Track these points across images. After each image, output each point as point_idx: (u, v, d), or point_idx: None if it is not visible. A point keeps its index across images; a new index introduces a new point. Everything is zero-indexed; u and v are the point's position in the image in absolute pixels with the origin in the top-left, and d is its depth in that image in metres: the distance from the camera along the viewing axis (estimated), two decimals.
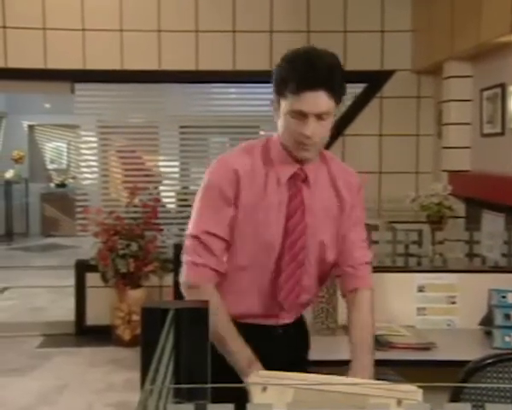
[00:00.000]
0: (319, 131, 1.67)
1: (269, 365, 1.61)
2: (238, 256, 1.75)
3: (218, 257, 1.73)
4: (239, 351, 1.68)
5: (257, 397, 1.02)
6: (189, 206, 6.08)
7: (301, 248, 1.76)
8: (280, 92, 1.68)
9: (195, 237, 1.74)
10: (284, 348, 1.83)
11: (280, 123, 1.73)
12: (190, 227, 1.77)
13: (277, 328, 1.83)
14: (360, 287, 1.87)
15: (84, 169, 5.66)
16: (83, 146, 5.65)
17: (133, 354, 4.63)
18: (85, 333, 5.28)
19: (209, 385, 0.99)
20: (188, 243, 1.76)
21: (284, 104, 1.68)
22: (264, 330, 1.80)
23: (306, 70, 1.62)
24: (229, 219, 1.72)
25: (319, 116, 1.65)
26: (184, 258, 1.76)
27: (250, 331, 1.73)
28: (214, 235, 1.72)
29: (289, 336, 1.85)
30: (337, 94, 1.66)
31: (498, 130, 4.03)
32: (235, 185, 1.72)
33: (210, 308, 1.11)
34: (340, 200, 1.83)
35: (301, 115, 1.65)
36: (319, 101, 1.63)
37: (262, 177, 1.74)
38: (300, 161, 1.75)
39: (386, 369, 1.92)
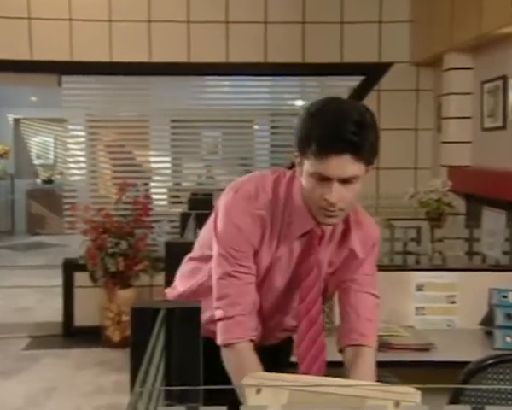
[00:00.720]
0: (345, 196, 1.55)
1: None
2: None
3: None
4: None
5: (251, 399, 1.02)
6: (181, 202, 6.03)
7: (319, 311, 1.69)
8: (302, 150, 1.56)
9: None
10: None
11: (303, 183, 1.60)
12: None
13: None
14: (362, 344, 1.74)
15: (72, 165, 5.65)
16: (70, 141, 5.63)
17: (123, 356, 4.62)
18: (73, 334, 5.28)
19: (201, 387, 0.99)
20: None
21: (307, 164, 1.55)
22: None
23: (330, 130, 1.49)
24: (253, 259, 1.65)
25: (346, 181, 1.53)
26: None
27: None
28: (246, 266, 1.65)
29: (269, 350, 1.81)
30: (368, 156, 1.54)
31: (500, 123, 4.05)
32: (260, 234, 1.64)
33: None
34: (350, 252, 1.74)
35: (325, 179, 1.53)
36: (345, 166, 1.50)
37: (277, 228, 1.66)
38: None
39: (383, 371, 1.92)
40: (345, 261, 1.75)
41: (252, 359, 1.61)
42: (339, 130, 1.48)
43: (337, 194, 1.53)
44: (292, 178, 1.69)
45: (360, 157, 1.51)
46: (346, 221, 1.72)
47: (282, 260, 1.69)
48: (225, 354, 1.64)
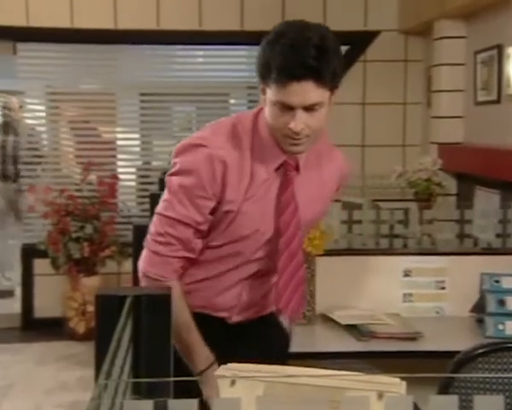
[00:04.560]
0: (310, 123, 1.61)
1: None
2: (222, 250, 1.76)
3: (187, 245, 1.71)
4: (198, 350, 1.71)
5: (225, 392, 1.03)
6: (151, 183, 6.01)
7: (299, 245, 1.77)
8: (263, 79, 1.63)
9: (166, 224, 1.70)
10: (255, 344, 1.85)
11: (267, 113, 1.67)
12: (158, 212, 1.73)
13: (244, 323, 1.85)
14: None
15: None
16: (28, 115, 5.57)
17: (88, 349, 4.61)
18: (33, 327, 5.25)
19: (171, 379, 1.00)
20: (153, 230, 1.72)
21: (269, 93, 1.62)
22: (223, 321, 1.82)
23: (290, 56, 1.54)
24: (207, 210, 1.69)
25: (309, 108, 1.59)
26: (148, 245, 1.73)
27: (209, 324, 1.76)
28: (185, 223, 1.69)
29: (260, 330, 1.88)
30: (330, 81, 1.59)
31: (494, 97, 4.08)
32: (220, 182, 1.66)
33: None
34: (324, 188, 1.84)
35: (288, 107, 1.59)
36: (307, 92, 1.56)
37: (249, 166, 1.70)
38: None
39: (364, 362, 1.95)
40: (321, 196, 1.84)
41: (179, 301, 1.68)
42: (299, 55, 1.54)
43: (301, 122, 1.59)
44: (257, 113, 1.75)
45: (322, 83, 1.57)
46: (318, 152, 1.80)
47: (259, 201, 1.73)
48: (146, 285, 1.72)
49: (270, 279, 1.84)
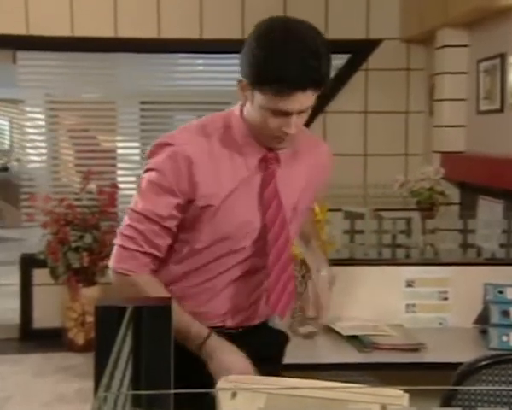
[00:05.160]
0: (300, 123, 1.70)
1: None
2: (210, 253, 1.76)
3: (151, 241, 1.73)
4: (191, 329, 1.72)
5: (226, 404, 1.03)
6: None
7: (286, 241, 1.78)
8: (256, 84, 1.64)
9: (133, 219, 1.74)
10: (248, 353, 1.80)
11: (252, 113, 1.70)
12: (127, 208, 1.78)
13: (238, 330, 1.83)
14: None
15: (30, 151, 5.60)
16: (28, 124, 5.58)
17: (87, 361, 4.61)
18: (32, 338, 5.24)
19: (172, 391, 1.00)
20: (122, 225, 1.77)
21: (261, 98, 1.64)
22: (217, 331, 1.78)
23: (292, 69, 1.58)
24: (172, 205, 1.71)
25: (302, 110, 1.66)
26: (116, 240, 1.77)
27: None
28: (150, 219, 1.72)
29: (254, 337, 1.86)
30: (325, 84, 1.67)
31: (497, 106, 4.09)
32: (187, 178, 1.69)
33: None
34: (310, 178, 1.86)
35: (283, 113, 1.64)
36: (306, 100, 1.64)
37: (226, 162, 1.73)
38: None
39: (366, 373, 1.95)
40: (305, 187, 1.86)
41: (151, 284, 1.72)
42: (302, 69, 1.59)
43: (295, 125, 1.67)
44: (230, 112, 1.78)
45: (320, 88, 1.66)
46: (301, 144, 1.83)
47: (242, 196, 1.74)
48: (117, 282, 1.76)
49: (260, 278, 1.84)
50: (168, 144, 1.71)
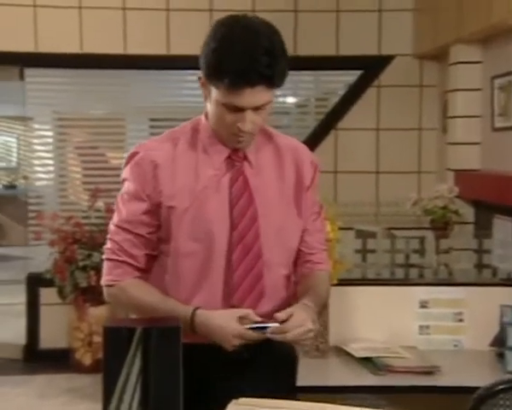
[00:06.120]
0: (257, 121, 1.71)
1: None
2: (179, 257, 1.76)
3: (127, 251, 1.78)
4: (175, 310, 1.70)
5: None
6: None
7: (255, 237, 1.75)
8: (210, 79, 1.69)
9: (112, 232, 1.82)
10: (256, 377, 1.78)
11: (210, 109, 1.75)
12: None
13: (241, 351, 1.72)
14: (317, 269, 1.91)
15: (38, 168, 5.63)
16: (36, 141, 5.61)
17: (94, 382, 4.59)
18: (38, 358, 5.23)
19: None
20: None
21: (216, 93, 1.69)
22: (222, 354, 1.72)
23: (243, 63, 1.62)
24: (140, 211, 1.76)
25: (258, 108, 1.68)
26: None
27: (204, 356, 1.71)
28: (123, 228, 1.78)
29: (262, 360, 1.78)
30: (280, 82, 1.70)
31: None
32: (151, 181, 1.74)
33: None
34: (297, 181, 1.85)
35: (237, 109, 1.67)
36: (258, 96, 1.66)
37: (191, 162, 1.76)
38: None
39: (377, 397, 1.93)
40: (296, 192, 1.85)
41: (142, 289, 1.77)
42: (252, 63, 1.62)
43: (249, 122, 1.69)
44: (197, 121, 1.84)
45: (273, 86, 1.68)
46: (265, 134, 1.85)
47: (212, 196, 1.75)
48: (108, 294, 1.84)
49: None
50: (136, 153, 1.78)
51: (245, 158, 1.79)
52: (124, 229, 1.78)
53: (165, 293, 1.77)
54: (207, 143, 1.78)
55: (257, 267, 1.76)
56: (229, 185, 1.76)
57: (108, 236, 1.83)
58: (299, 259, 1.90)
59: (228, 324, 1.67)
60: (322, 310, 1.94)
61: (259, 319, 1.70)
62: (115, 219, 1.81)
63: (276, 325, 1.67)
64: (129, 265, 1.78)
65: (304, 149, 1.93)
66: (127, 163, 1.80)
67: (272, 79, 1.66)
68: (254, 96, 1.65)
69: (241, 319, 1.68)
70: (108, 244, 1.82)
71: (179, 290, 1.76)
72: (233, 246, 1.74)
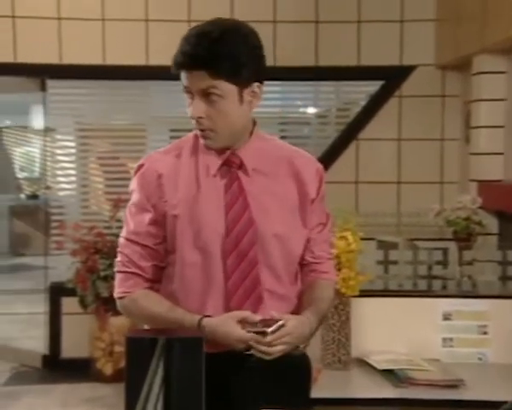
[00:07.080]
0: (212, 115, 1.74)
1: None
2: (185, 267, 1.78)
3: (135, 262, 1.81)
4: (183, 319, 1.72)
5: None
6: None
7: (251, 242, 1.75)
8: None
9: (121, 244, 1.85)
10: (264, 384, 1.77)
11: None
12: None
13: (250, 355, 1.71)
14: (322, 278, 1.91)
15: (60, 178, 5.68)
16: (58, 152, 5.66)
17: (115, 392, 4.61)
18: (60, 367, 5.26)
19: None
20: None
21: None
22: (232, 359, 1.73)
23: (182, 47, 1.71)
24: (146, 222, 1.80)
25: (206, 95, 1.72)
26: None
27: (215, 363, 1.64)
28: (131, 240, 1.82)
29: (269, 367, 1.74)
30: (228, 73, 1.70)
31: None
32: (156, 191, 1.79)
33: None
34: (301, 190, 1.84)
35: (191, 95, 1.76)
36: (199, 81, 1.71)
37: (192, 170, 1.79)
38: (230, 148, 1.80)
39: (398, 409, 1.91)
40: (300, 200, 1.84)
41: (152, 299, 1.80)
42: (189, 46, 1.70)
43: (198, 109, 1.75)
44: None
45: (217, 74, 1.69)
46: (262, 140, 1.87)
47: (208, 203, 1.77)
48: (121, 306, 1.85)
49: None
50: (142, 165, 1.84)
51: (241, 164, 1.80)
52: (132, 241, 1.81)
53: (175, 303, 1.78)
54: (206, 151, 1.81)
55: (253, 273, 1.76)
56: (224, 191, 1.78)
57: (118, 249, 1.87)
58: (304, 268, 1.90)
59: (233, 329, 1.68)
60: (323, 320, 1.94)
61: (259, 318, 1.69)
62: (124, 231, 1.86)
63: (279, 324, 1.67)
64: (138, 276, 1.81)
65: (306, 156, 1.92)
66: (134, 175, 1.86)
67: (210, 64, 1.68)
68: (193, 77, 1.71)
69: (243, 322, 1.69)
70: (119, 257, 1.86)
71: (189, 300, 1.77)
72: (228, 252, 1.75)
